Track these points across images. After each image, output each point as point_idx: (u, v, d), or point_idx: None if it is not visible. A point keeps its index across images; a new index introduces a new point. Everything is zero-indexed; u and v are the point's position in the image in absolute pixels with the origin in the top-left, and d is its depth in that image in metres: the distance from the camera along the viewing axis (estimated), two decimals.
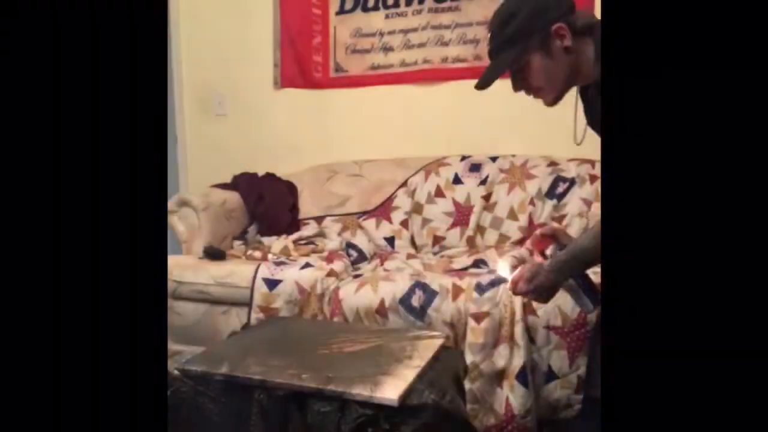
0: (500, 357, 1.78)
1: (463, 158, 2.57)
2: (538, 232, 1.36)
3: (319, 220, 2.66)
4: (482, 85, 1.22)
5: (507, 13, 1.21)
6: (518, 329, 1.76)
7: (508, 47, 1.20)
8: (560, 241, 1.30)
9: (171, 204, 2.47)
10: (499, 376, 1.78)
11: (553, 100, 1.24)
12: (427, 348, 1.37)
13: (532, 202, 2.35)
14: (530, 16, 1.18)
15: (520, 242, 2.30)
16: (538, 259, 1.31)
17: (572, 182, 2.33)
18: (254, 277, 2.10)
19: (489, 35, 1.24)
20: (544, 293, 1.30)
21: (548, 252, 1.26)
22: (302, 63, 2.91)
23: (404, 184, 2.61)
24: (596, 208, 2.25)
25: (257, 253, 2.35)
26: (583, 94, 1.31)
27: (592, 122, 1.29)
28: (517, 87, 1.25)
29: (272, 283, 2.07)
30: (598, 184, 2.29)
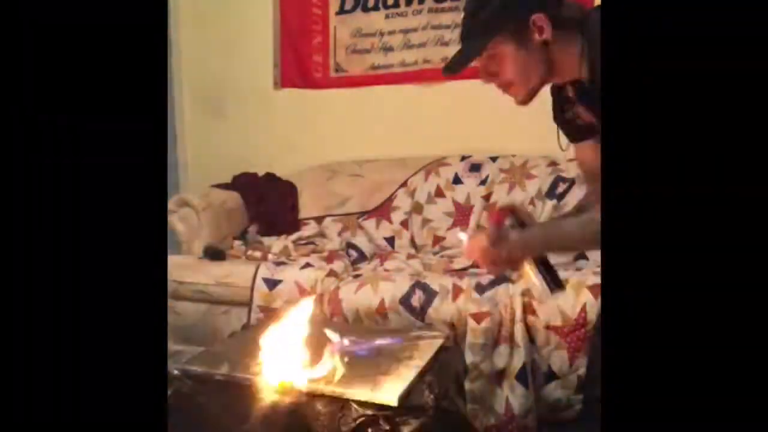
0: (500, 357, 1.78)
1: (463, 158, 2.57)
2: (497, 206, 1.26)
3: (319, 220, 2.66)
4: (450, 71, 1.10)
5: None
6: (518, 329, 1.76)
7: (480, 33, 1.07)
8: (518, 215, 1.21)
9: (171, 204, 2.46)
10: (499, 376, 1.78)
11: (523, 97, 1.11)
12: (427, 348, 1.37)
13: (532, 202, 2.34)
14: (508, 2, 1.06)
15: None
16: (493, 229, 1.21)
17: (572, 182, 2.32)
18: (254, 277, 2.10)
19: (462, 17, 1.11)
20: (504, 263, 1.20)
21: (506, 223, 1.18)
22: (302, 63, 2.91)
23: (404, 184, 2.61)
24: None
25: (257, 253, 2.35)
26: (557, 93, 1.19)
27: (560, 122, 1.20)
28: (486, 79, 1.12)
29: (272, 283, 2.07)
30: None
